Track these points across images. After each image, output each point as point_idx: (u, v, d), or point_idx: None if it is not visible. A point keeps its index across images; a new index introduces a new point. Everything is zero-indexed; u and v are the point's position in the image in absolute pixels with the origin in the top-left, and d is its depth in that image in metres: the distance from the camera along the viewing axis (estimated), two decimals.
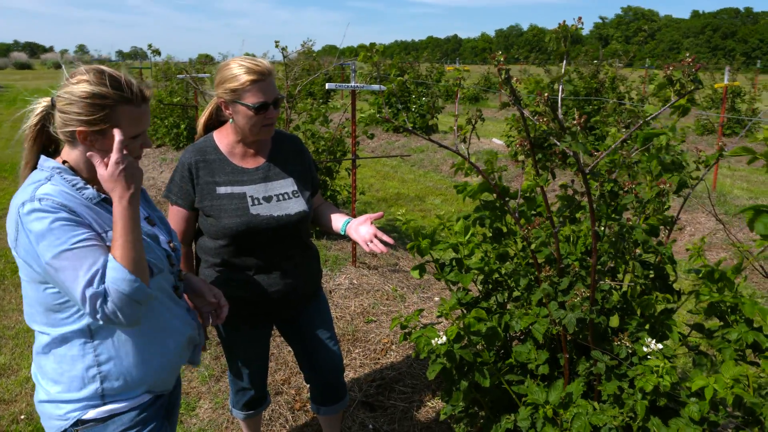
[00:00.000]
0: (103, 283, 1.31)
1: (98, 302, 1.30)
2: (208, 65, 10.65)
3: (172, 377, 1.62)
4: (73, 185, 1.42)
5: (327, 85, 4.04)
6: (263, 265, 2.06)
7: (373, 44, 2.01)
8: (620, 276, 2.11)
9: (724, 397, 1.69)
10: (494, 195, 2.15)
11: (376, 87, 4.31)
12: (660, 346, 1.89)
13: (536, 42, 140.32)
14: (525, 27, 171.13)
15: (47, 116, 1.45)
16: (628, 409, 1.90)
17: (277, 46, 4.90)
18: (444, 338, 2.15)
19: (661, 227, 2.10)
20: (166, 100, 9.51)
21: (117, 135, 1.37)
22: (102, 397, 1.47)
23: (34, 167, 1.46)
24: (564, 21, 1.50)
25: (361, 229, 2.09)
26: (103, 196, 1.45)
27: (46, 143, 1.49)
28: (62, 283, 1.33)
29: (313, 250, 2.29)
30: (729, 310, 1.99)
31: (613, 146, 1.60)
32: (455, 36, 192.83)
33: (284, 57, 4.79)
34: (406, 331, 2.36)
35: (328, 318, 2.34)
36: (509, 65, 1.59)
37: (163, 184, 7.91)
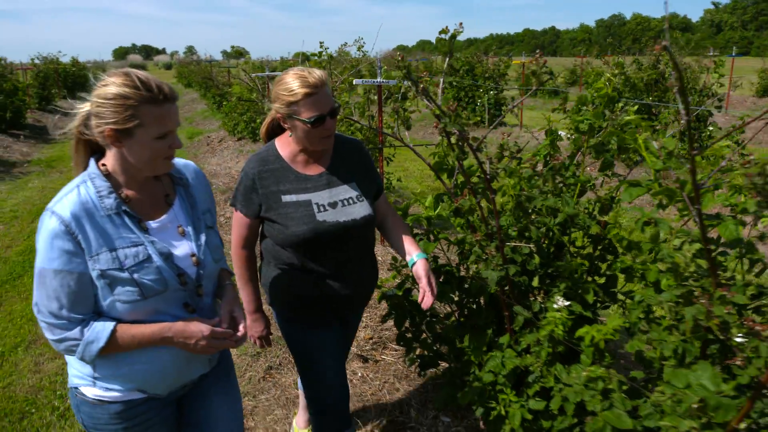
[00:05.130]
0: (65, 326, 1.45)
1: (53, 330, 1.46)
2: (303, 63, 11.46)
3: (167, 384, 1.63)
4: (98, 192, 1.47)
5: (354, 81, 4.47)
6: (330, 269, 2.05)
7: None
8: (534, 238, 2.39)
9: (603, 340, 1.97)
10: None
11: (393, 82, 4.60)
12: (567, 303, 2.18)
13: (640, 32, 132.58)
14: (628, 16, 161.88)
15: (87, 120, 1.51)
16: (536, 356, 2.20)
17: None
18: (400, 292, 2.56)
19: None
20: (244, 96, 10.39)
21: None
22: (93, 379, 1.55)
23: (85, 168, 1.54)
24: (460, 23, 1.83)
25: (423, 280, 2.00)
26: (123, 207, 1.50)
27: (95, 146, 1.55)
28: (34, 287, 1.47)
29: (374, 260, 2.28)
30: (640, 275, 2.23)
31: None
32: (552, 28, 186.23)
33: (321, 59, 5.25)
34: (382, 291, 2.78)
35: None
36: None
37: (237, 173, 8.75)
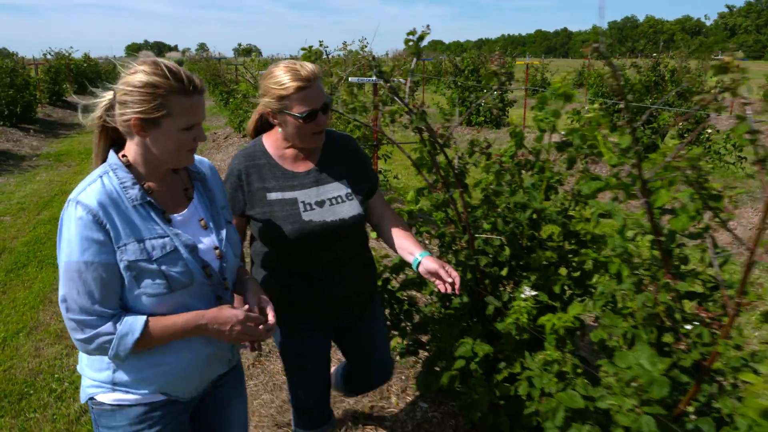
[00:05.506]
0: (93, 322, 1.39)
1: (84, 328, 1.39)
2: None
3: (190, 386, 1.59)
4: (122, 183, 1.44)
5: (350, 79, 4.59)
6: (318, 270, 1.99)
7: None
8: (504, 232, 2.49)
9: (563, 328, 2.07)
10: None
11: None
12: (534, 293, 2.28)
13: (652, 34, 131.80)
14: (641, 18, 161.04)
15: (110, 109, 1.47)
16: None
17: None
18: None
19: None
20: (250, 94, 10.53)
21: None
22: (113, 384, 1.49)
23: (104, 159, 1.51)
24: (428, 25, 1.93)
25: (441, 271, 1.92)
26: (148, 198, 1.47)
27: (115, 137, 1.52)
28: (60, 283, 1.41)
29: (371, 259, 2.22)
30: (603, 267, 2.32)
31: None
32: (564, 29, 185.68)
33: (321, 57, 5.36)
34: None
35: (383, 323, 2.30)
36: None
37: None
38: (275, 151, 1.98)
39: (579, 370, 1.87)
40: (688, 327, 1.76)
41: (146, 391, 1.50)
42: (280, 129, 1.92)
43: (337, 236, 1.95)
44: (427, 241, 3.32)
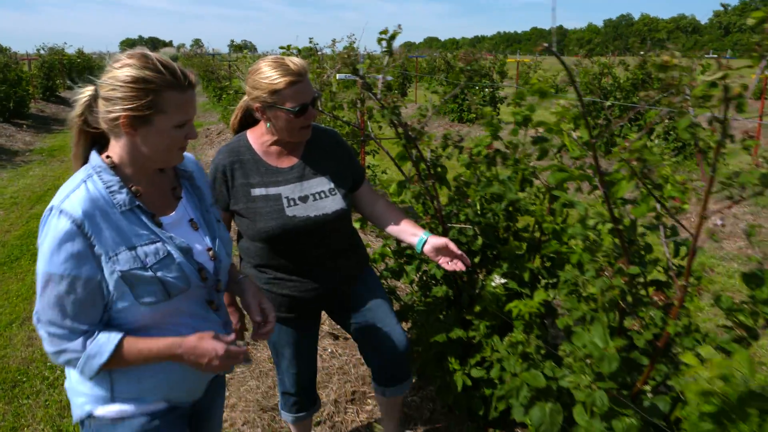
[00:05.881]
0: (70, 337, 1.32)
1: (53, 340, 1.33)
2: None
3: (192, 390, 1.54)
4: (108, 188, 1.34)
5: (338, 76, 4.68)
6: (304, 264, 2.02)
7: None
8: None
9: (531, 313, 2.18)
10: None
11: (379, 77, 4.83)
12: (503, 281, 2.39)
13: (647, 32, 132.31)
14: (636, 16, 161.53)
15: (91, 106, 1.37)
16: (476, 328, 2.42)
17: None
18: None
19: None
20: (242, 90, 10.60)
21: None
22: (112, 397, 1.41)
23: (84, 161, 1.41)
24: (399, 25, 2.04)
25: (441, 254, 2.00)
26: (137, 203, 1.37)
27: (96, 136, 1.41)
28: (37, 293, 1.31)
29: (357, 242, 2.23)
30: (567, 257, 2.43)
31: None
32: (560, 27, 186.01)
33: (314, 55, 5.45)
34: None
35: (380, 293, 2.23)
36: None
37: None
38: (259, 146, 2.00)
39: (542, 351, 1.98)
40: (651, 313, 1.88)
41: (148, 400, 1.44)
42: (267, 124, 1.93)
43: (321, 231, 1.99)
44: None
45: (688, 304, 1.87)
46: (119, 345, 1.33)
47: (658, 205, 1.80)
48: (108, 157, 1.38)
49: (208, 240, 1.52)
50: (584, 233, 1.89)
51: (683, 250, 2.05)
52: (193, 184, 1.58)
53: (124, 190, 1.35)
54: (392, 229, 2.12)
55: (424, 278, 2.95)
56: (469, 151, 2.29)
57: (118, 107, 1.30)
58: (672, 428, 1.86)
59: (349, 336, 3.62)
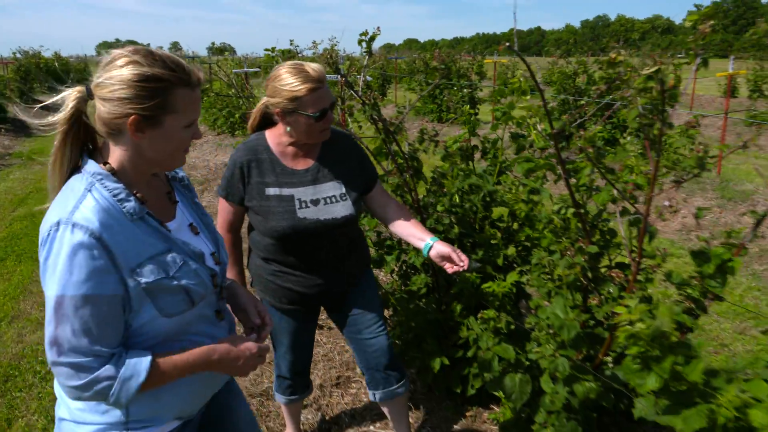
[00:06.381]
0: (92, 363, 1.19)
1: (79, 373, 1.18)
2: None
3: (202, 400, 1.47)
4: (115, 196, 1.23)
5: None
6: (310, 262, 2.11)
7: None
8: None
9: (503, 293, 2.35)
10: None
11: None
12: (478, 265, 2.56)
13: (623, 32, 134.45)
14: (612, 17, 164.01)
15: (82, 108, 1.27)
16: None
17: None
18: None
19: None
20: (223, 92, 10.70)
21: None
22: (125, 424, 1.30)
23: (70, 168, 1.29)
24: (378, 27, 2.19)
25: (446, 261, 2.04)
26: (146, 210, 1.28)
27: (85, 140, 1.31)
28: (48, 320, 1.17)
29: (361, 243, 2.31)
30: (539, 242, 2.61)
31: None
32: (538, 28, 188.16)
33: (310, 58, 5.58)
34: None
35: (373, 300, 2.31)
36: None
37: (216, 167, 9.06)
38: (277, 147, 2.07)
39: (512, 327, 2.15)
40: (609, 289, 2.06)
41: (163, 420, 1.35)
42: (288, 128, 1.99)
43: (329, 233, 2.07)
44: None
45: (649, 285, 2.05)
46: (153, 362, 1.24)
47: (615, 191, 1.97)
48: (106, 163, 1.27)
49: (210, 244, 1.46)
50: (548, 217, 2.06)
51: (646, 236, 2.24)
52: (185, 185, 1.54)
53: (132, 198, 1.25)
54: (401, 232, 2.19)
55: (404, 268, 3.11)
56: (444, 144, 2.45)
57: (124, 109, 1.21)
58: (630, 394, 2.04)
59: (333, 326, 3.77)
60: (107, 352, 1.20)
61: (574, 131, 2.04)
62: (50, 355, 1.18)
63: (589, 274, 1.93)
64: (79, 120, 1.27)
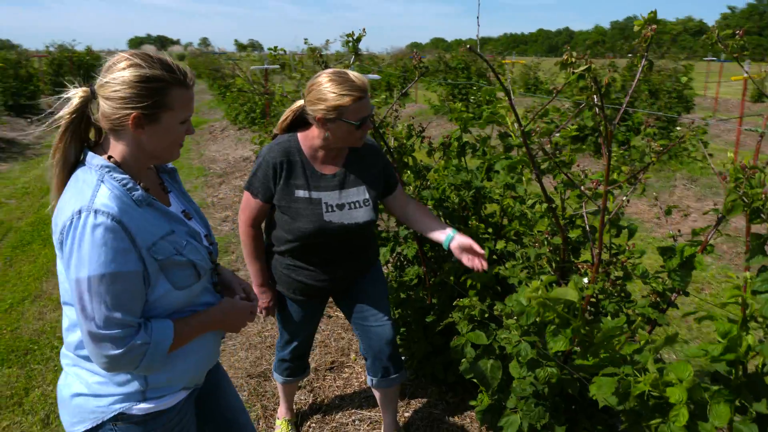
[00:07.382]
0: (130, 332, 1.32)
1: (118, 342, 1.31)
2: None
3: (206, 371, 1.61)
4: (124, 185, 1.37)
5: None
6: (326, 259, 2.24)
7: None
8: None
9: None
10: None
11: (375, 77, 5.10)
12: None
13: (654, 35, 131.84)
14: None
15: (85, 106, 1.40)
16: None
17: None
18: None
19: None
20: (245, 87, 10.95)
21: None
22: (143, 393, 1.43)
23: (72, 163, 1.42)
24: (363, 28, 2.33)
25: (465, 252, 2.18)
26: (152, 197, 1.43)
27: (85, 136, 1.45)
28: (78, 300, 1.30)
29: (373, 240, 2.45)
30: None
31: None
32: (567, 28, 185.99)
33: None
34: None
35: (382, 289, 2.43)
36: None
37: (235, 161, 9.31)
38: (309, 150, 2.16)
39: (486, 315, 2.28)
40: (575, 279, 2.18)
41: (175, 388, 1.48)
42: (327, 133, 2.06)
43: (349, 236, 2.20)
44: (385, 217, 3.73)
45: (627, 282, 2.16)
46: (175, 324, 1.41)
47: (582, 188, 2.09)
48: (110, 156, 1.40)
49: (202, 227, 1.62)
50: (521, 210, 2.19)
51: (625, 233, 2.35)
52: (173, 176, 1.67)
53: (138, 187, 1.39)
54: (423, 229, 2.32)
55: (400, 260, 3.26)
56: (429, 140, 2.59)
57: (127, 106, 1.34)
58: (589, 382, 2.16)
59: (333, 314, 3.94)
60: (136, 321, 1.34)
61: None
62: (89, 330, 1.30)
63: (554, 265, 2.05)
64: (81, 116, 1.40)
